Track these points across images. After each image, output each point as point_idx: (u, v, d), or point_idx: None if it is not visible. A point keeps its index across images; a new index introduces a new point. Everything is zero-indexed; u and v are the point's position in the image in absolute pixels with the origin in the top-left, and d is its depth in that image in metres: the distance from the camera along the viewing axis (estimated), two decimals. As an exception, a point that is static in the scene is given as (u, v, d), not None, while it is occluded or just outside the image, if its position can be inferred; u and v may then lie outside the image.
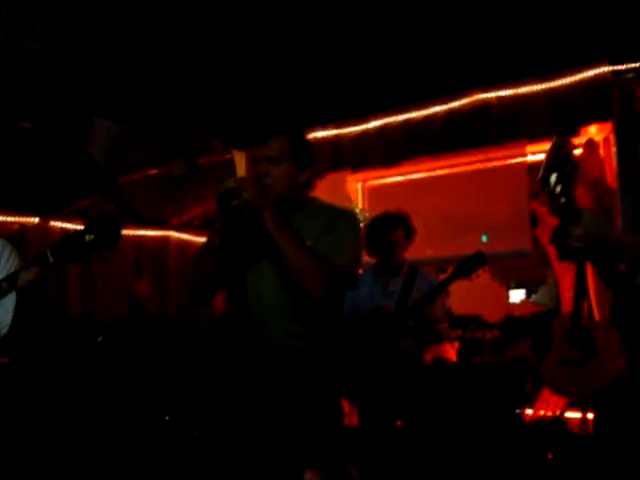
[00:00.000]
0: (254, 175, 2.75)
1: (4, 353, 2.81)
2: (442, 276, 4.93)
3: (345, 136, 6.81)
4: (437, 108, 6.24)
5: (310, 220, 2.76)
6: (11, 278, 2.51)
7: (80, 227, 2.50)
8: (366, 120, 6.67)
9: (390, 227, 4.47)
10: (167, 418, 4.98)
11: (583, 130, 5.64)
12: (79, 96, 6.17)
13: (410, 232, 4.52)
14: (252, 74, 6.16)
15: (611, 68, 5.39)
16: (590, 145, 5.63)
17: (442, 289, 4.36)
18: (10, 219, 5.92)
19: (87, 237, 2.43)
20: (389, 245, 4.47)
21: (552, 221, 5.97)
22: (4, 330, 2.74)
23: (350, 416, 4.85)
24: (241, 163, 7.45)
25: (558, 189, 1.92)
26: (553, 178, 1.93)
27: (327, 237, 2.68)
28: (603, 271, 2.04)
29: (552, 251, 6.15)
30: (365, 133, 6.70)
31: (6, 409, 2.78)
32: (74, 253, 2.44)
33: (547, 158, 1.97)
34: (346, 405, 5.07)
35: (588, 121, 5.56)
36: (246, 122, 6.51)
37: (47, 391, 4.96)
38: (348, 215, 2.88)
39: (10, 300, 2.65)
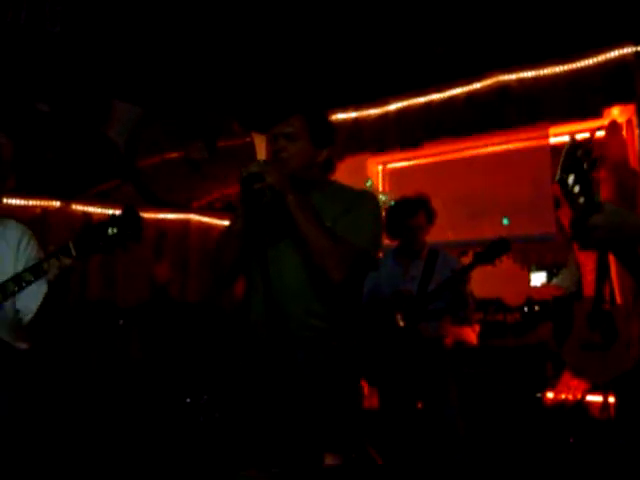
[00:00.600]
0: (271, 151, 2.76)
1: (26, 339, 2.82)
2: (463, 259, 4.91)
3: (365, 119, 6.79)
4: (458, 90, 6.20)
5: (330, 201, 2.75)
6: (34, 269, 2.51)
7: (106, 211, 2.51)
8: (386, 102, 6.64)
9: (411, 212, 4.45)
10: (189, 400, 5.01)
11: (606, 112, 5.58)
12: (98, 79, 6.18)
13: (431, 216, 4.49)
14: (272, 57, 6.13)
15: (635, 49, 5.32)
16: (613, 127, 5.57)
17: (465, 275, 4.33)
18: (32, 203, 5.95)
19: (110, 230, 2.42)
20: (410, 230, 4.45)
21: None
22: (28, 317, 2.75)
23: (370, 399, 4.86)
24: (261, 146, 7.40)
25: (577, 189, 1.90)
26: (571, 180, 1.91)
27: (347, 218, 2.68)
28: (626, 259, 2.01)
29: (574, 234, 6.10)
30: (385, 116, 6.68)
31: (24, 395, 2.80)
32: (97, 246, 2.44)
33: (562, 161, 1.95)
34: (366, 388, 5.07)
35: (611, 103, 5.51)
36: (266, 103, 6.50)
37: (67, 376, 5.00)
38: (368, 196, 2.87)
39: (37, 287, 2.66)
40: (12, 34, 5.42)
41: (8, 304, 2.72)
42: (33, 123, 5.82)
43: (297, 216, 2.56)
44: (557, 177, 1.95)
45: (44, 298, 2.65)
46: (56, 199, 6.16)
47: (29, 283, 2.53)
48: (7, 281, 2.56)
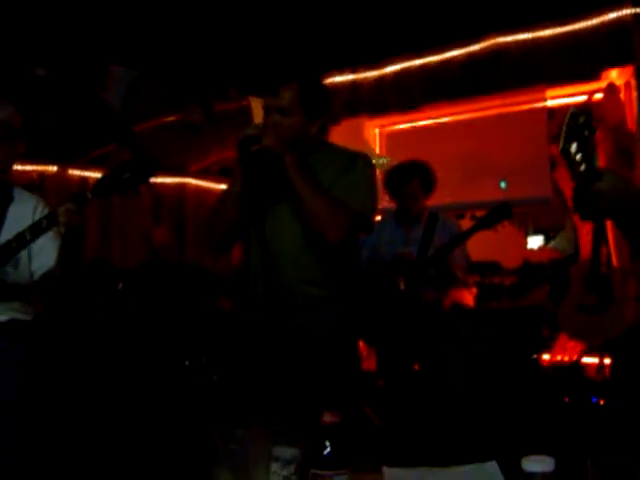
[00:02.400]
0: (265, 124, 2.75)
1: (40, 300, 2.88)
2: (461, 222, 4.92)
3: (362, 81, 6.77)
4: (454, 53, 6.17)
5: (324, 163, 2.75)
6: (50, 216, 2.56)
7: (96, 175, 2.57)
8: (383, 65, 6.62)
9: (405, 178, 4.45)
10: (187, 363, 5.04)
11: (604, 74, 5.57)
12: (95, 43, 6.13)
13: (429, 182, 4.48)
14: (269, 19, 6.09)
15: (633, 11, 5.29)
16: (611, 89, 5.55)
17: (464, 240, 4.33)
18: (29, 168, 5.96)
19: (124, 175, 2.50)
20: (404, 197, 4.45)
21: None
22: (43, 276, 2.79)
23: (368, 361, 4.89)
24: (258, 110, 7.41)
25: (578, 157, 1.91)
26: (573, 148, 1.92)
27: (342, 181, 2.68)
28: (626, 228, 2.02)
29: (570, 196, 6.11)
30: (382, 78, 6.66)
31: (35, 358, 2.85)
32: (112, 189, 2.51)
33: (565, 129, 1.95)
34: (364, 349, 5.11)
35: (609, 65, 5.49)
36: (263, 67, 6.47)
37: (67, 339, 5.03)
38: (362, 158, 2.86)
39: (52, 247, 2.72)
40: (7, -2, 5.39)
41: (24, 266, 2.76)
42: (30, 88, 5.80)
43: (294, 176, 2.57)
44: (560, 146, 1.95)
45: (58, 255, 2.70)
46: (53, 164, 6.16)
47: (45, 230, 2.57)
48: (24, 230, 2.61)
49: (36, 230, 2.58)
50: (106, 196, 2.56)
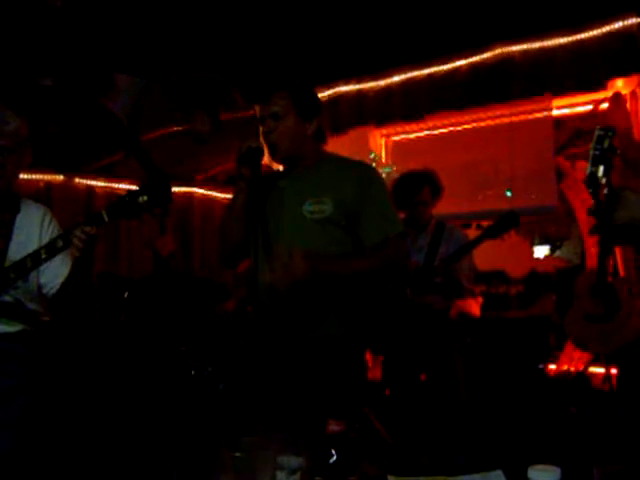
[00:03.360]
0: (262, 133, 2.81)
1: (48, 313, 2.89)
2: (466, 231, 4.92)
3: (368, 91, 6.76)
4: (461, 62, 6.16)
5: (329, 174, 2.81)
6: (65, 236, 2.56)
7: (109, 184, 2.57)
8: (389, 74, 6.61)
9: (416, 187, 4.45)
10: (193, 372, 5.04)
11: (610, 83, 5.56)
12: (100, 52, 6.15)
13: (437, 190, 4.49)
14: (275, 29, 6.10)
15: (639, 20, 5.28)
16: (616, 99, 5.55)
17: (471, 249, 4.33)
18: (35, 177, 5.96)
19: (140, 198, 2.48)
20: (415, 205, 4.45)
21: (577, 175, 5.92)
22: (52, 291, 2.81)
23: (374, 370, 4.89)
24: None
25: (604, 181, 1.93)
26: (600, 172, 1.93)
27: (369, 213, 2.75)
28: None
29: (577, 206, 6.11)
30: (388, 88, 6.65)
31: (42, 367, 2.87)
32: (128, 212, 2.50)
33: (593, 153, 1.96)
34: (370, 359, 5.10)
35: (615, 74, 5.47)
36: (252, 79, 6.51)
37: (74, 347, 5.03)
38: (373, 173, 2.93)
39: (62, 262, 2.73)
40: (14, 8, 5.40)
41: (33, 278, 2.78)
42: (36, 97, 5.81)
43: (340, 275, 2.68)
44: (588, 170, 1.97)
45: (70, 272, 2.71)
46: (59, 173, 6.17)
47: (60, 250, 2.59)
48: (39, 249, 2.63)
49: (51, 250, 2.60)
50: (122, 218, 2.56)
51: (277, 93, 2.79)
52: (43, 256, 2.61)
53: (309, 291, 2.62)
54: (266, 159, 2.69)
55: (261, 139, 2.81)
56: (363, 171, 2.87)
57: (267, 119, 2.79)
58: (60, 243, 2.57)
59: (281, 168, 2.99)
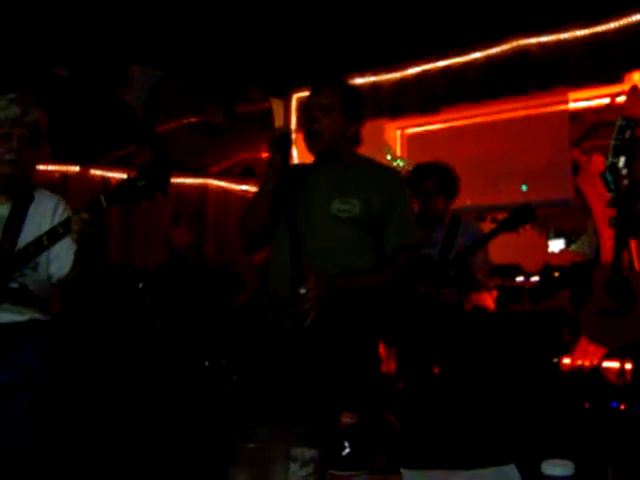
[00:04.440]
0: (304, 120, 2.87)
1: (58, 302, 2.90)
2: (481, 224, 4.90)
3: (383, 83, 6.75)
4: (476, 54, 6.14)
5: (359, 176, 2.88)
6: (66, 223, 2.57)
7: (124, 175, 2.55)
8: (404, 67, 6.59)
9: (422, 177, 4.47)
10: (207, 364, 5.05)
11: (627, 77, 5.52)
12: (116, 43, 6.17)
13: (447, 185, 4.47)
14: (291, 21, 6.09)
15: (657, 13, 5.25)
16: (634, 92, 5.51)
17: (487, 242, 4.32)
18: (51, 168, 5.99)
19: (139, 183, 2.47)
20: (422, 195, 4.46)
21: (593, 168, 5.89)
22: (61, 279, 2.82)
23: (388, 363, 4.89)
24: (279, 111, 7.43)
25: (625, 172, 1.92)
26: (621, 162, 1.93)
27: (394, 219, 2.84)
28: None
29: (593, 200, 6.08)
30: (403, 80, 6.63)
31: (56, 357, 2.88)
32: (126, 198, 2.49)
33: (614, 143, 1.95)
34: (384, 352, 5.10)
35: (632, 67, 5.44)
36: (284, 69, 6.50)
37: (88, 338, 5.06)
38: (400, 182, 3.09)
39: (69, 250, 2.73)
40: (29, -1, 5.42)
41: (42, 267, 2.79)
42: (51, 88, 5.83)
43: (355, 290, 2.76)
44: (608, 161, 1.96)
45: (75, 259, 2.72)
46: (75, 164, 6.19)
47: (61, 237, 2.59)
48: (41, 236, 2.64)
49: (53, 236, 2.61)
50: (119, 204, 2.55)
51: (329, 87, 2.88)
52: (45, 243, 2.62)
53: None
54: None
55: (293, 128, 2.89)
56: (391, 178, 2.99)
57: (315, 110, 2.84)
58: (61, 230, 2.58)
59: (311, 162, 3.01)
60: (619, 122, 1.95)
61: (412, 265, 2.94)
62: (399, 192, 2.94)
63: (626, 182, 1.91)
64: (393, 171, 3.06)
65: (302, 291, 2.62)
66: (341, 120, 2.84)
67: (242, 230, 2.99)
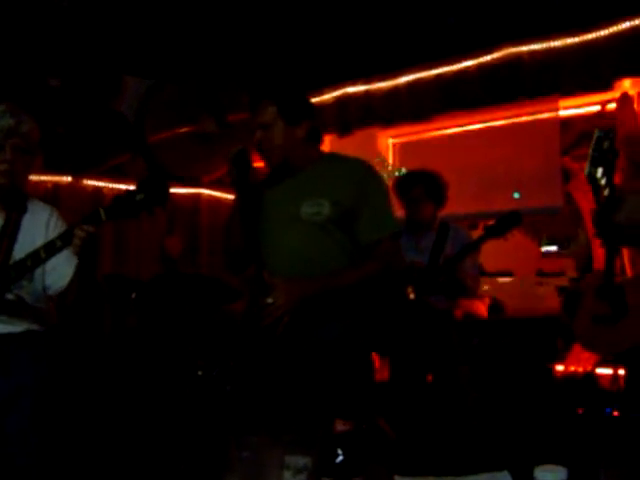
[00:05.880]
0: (254, 144, 2.86)
1: (55, 314, 2.90)
2: (473, 232, 4.91)
3: (375, 92, 6.75)
4: (468, 63, 6.15)
5: (324, 176, 2.84)
6: (64, 236, 2.56)
7: (116, 186, 2.56)
8: (396, 75, 6.60)
9: (408, 185, 4.48)
10: (200, 373, 5.05)
11: (617, 84, 5.54)
12: (108, 53, 6.18)
13: (434, 192, 4.48)
14: (282, 31, 6.11)
15: (646, 20, 5.27)
16: (624, 99, 5.54)
17: (475, 248, 4.33)
18: (43, 178, 5.99)
19: (138, 197, 2.48)
20: (409, 202, 4.47)
21: (584, 176, 5.90)
22: (57, 293, 2.81)
23: (381, 371, 4.89)
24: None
25: (603, 182, 1.94)
26: (599, 173, 1.95)
27: (365, 212, 2.78)
28: None
29: (584, 207, 6.10)
30: (396, 88, 6.64)
31: (52, 369, 2.87)
32: (126, 211, 2.49)
33: (592, 154, 1.98)
34: (377, 360, 5.10)
35: (622, 75, 5.46)
36: (276, 76, 6.50)
37: (81, 348, 5.05)
38: (370, 172, 2.95)
39: (67, 263, 2.73)
40: (22, 9, 5.42)
41: (38, 279, 2.79)
42: (44, 98, 5.84)
43: (328, 291, 2.72)
44: (586, 171, 1.98)
45: (73, 272, 2.72)
46: (67, 174, 6.20)
47: (59, 250, 2.58)
48: (39, 249, 2.63)
49: (50, 249, 2.60)
50: (119, 218, 2.55)
51: (262, 103, 2.84)
52: (42, 255, 2.61)
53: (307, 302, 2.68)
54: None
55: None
56: (359, 169, 2.90)
57: (257, 129, 2.83)
58: (59, 243, 2.57)
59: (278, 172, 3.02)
60: (597, 133, 1.98)
61: (396, 255, 2.89)
62: (369, 182, 2.87)
63: (606, 192, 1.93)
64: (360, 161, 2.98)
65: (269, 300, 2.62)
66: (284, 130, 2.80)
67: (224, 255, 3.02)
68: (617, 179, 2.03)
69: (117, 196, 2.54)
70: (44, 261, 2.64)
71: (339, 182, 2.80)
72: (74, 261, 2.68)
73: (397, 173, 6.61)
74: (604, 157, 1.95)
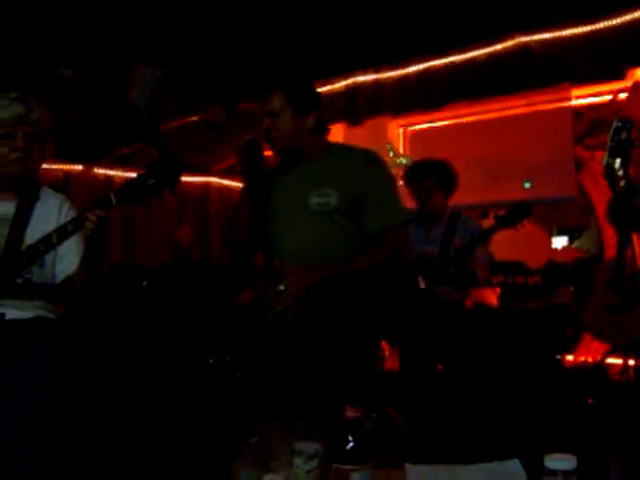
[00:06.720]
0: (262, 132, 2.86)
1: (65, 302, 2.90)
2: (483, 221, 4.90)
3: (385, 81, 6.74)
4: (478, 51, 6.13)
5: (332, 166, 2.84)
6: (76, 220, 2.57)
7: (127, 174, 2.57)
8: (406, 64, 6.59)
9: (418, 175, 4.46)
10: (211, 361, 5.07)
11: (629, 73, 5.52)
12: (120, 43, 6.18)
13: (445, 181, 4.46)
14: (292, 21, 6.10)
15: (658, 9, 5.25)
16: (636, 88, 5.51)
17: (485, 239, 4.32)
18: (55, 166, 6.01)
19: (149, 181, 2.48)
20: (419, 193, 4.46)
21: (597, 165, 5.89)
22: (67, 279, 2.82)
23: (392, 361, 4.90)
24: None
25: (621, 173, 1.94)
26: (617, 164, 1.95)
27: (372, 201, 2.78)
28: None
29: (596, 197, 6.08)
30: (405, 78, 6.63)
31: (66, 357, 2.88)
32: (136, 195, 2.50)
33: (610, 144, 1.97)
34: (387, 350, 5.11)
35: (634, 64, 5.44)
36: (287, 65, 6.50)
37: (92, 336, 5.07)
38: (377, 161, 2.95)
39: (75, 251, 2.74)
40: (33, -1, 5.44)
41: (49, 265, 2.80)
42: (56, 87, 5.85)
43: (348, 275, 2.74)
44: (604, 161, 1.98)
45: (81, 260, 2.72)
46: (79, 163, 6.22)
47: (71, 234, 2.59)
48: (51, 233, 2.63)
49: (62, 234, 2.60)
50: (129, 202, 2.56)
51: (272, 91, 2.84)
52: (54, 240, 2.61)
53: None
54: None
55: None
56: (366, 159, 2.89)
57: (265, 117, 2.83)
58: (71, 227, 2.57)
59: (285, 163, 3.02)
60: (615, 123, 1.97)
61: (405, 243, 2.91)
62: (376, 171, 2.87)
63: (622, 183, 1.93)
64: (366, 152, 2.97)
65: (281, 287, 2.63)
66: (293, 118, 2.81)
67: (230, 246, 3.03)
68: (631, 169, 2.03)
69: (128, 181, 2.55)
70: (56, 245, 2.64)
71: (346, 172, 2.80)
72: (82, 246, 2.69)
73: (404, 161, 6.61)
74: (622, 147, 1.94)
